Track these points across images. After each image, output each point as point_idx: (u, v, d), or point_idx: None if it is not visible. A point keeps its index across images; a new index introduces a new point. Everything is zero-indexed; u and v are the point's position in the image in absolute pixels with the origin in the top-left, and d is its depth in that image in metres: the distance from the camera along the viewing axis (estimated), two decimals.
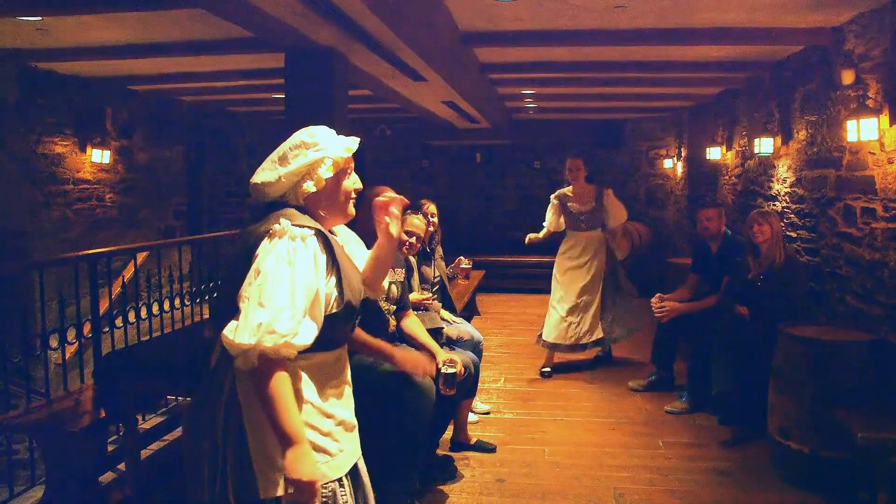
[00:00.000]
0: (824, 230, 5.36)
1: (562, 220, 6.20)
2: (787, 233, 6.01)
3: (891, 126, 4.31)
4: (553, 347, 6.14)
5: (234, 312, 1.87)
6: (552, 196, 6.27)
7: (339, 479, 2.05)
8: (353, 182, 2.19)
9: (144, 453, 4.10)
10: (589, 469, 4.20)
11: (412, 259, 4.53)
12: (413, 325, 3.84)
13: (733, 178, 8.06)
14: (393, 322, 3.74)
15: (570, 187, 6.12)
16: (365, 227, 3.74)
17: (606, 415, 5.18)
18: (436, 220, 5.06)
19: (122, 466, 3.93)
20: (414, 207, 4.74)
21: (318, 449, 1.97)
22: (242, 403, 1.93)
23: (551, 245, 6.42)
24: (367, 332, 3.52)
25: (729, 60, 6.48)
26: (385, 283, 3.72)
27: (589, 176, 6.07)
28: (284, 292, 1.85)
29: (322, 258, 2.00)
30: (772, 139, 6.49)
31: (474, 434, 4.50)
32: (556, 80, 7.51)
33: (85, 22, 5.01)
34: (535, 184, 12.15)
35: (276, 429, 1.84)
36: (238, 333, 1.81)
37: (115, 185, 7.98)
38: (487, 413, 5.12)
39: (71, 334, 4.34)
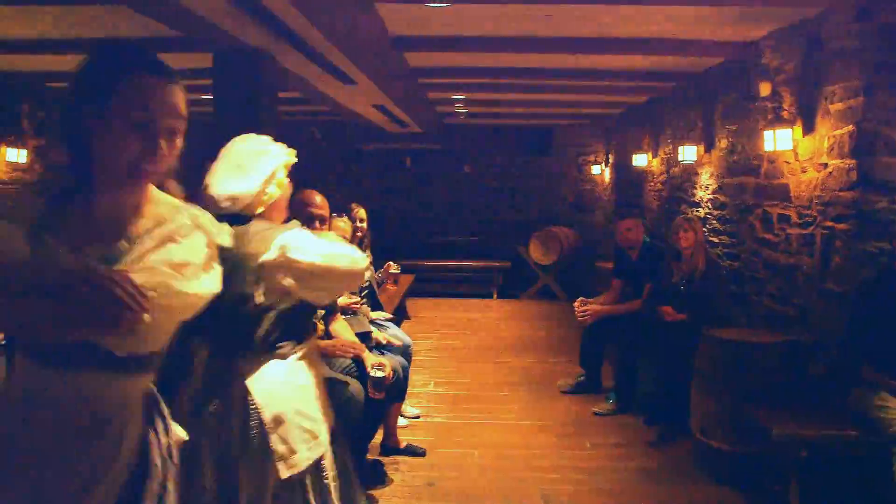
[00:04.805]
0: (744, 236, 5.54)
1: None
2: (710, 238, 6.19)
3: (804, 137, 4.50)
4: None
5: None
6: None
7: None
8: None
9: None
10: (517, 471, 4.23)
11: None
12: (341, 328, 3.83)
13: (658, 184, 8.26)
14: (321, 326, 3.70)
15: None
16: None
17: (535, 417, 5.22)
18: (365, 224, 5.03)
19: None
20: (344, 211, 4.71)
21: None
22: None
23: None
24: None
25: (655, 70, 6.63)
26: None
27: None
28: None
29: None
30: (695, 147, 6.67)
31: (404, 438, 4.48)
32: (487, 86, 7.55)
33: None
34: (465, 188, 12.22)
35: None
36: None
37: (32, 185, 7.68)
38: (417, 417, 5.11)
39: None
